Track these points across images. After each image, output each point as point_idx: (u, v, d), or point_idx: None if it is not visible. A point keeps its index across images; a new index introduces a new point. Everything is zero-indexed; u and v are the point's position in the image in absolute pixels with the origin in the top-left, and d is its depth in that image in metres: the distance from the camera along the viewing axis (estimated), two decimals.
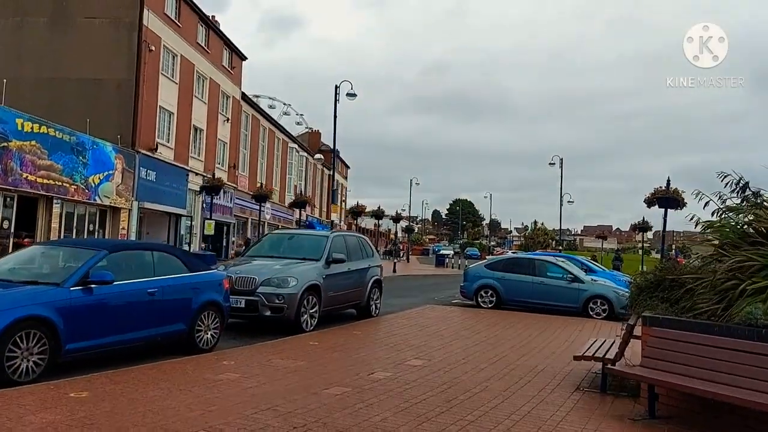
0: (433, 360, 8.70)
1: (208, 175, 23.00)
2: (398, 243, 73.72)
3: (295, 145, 55.02)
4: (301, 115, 62.92)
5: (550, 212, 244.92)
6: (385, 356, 8.79)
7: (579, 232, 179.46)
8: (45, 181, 22.55)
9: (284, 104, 59.87)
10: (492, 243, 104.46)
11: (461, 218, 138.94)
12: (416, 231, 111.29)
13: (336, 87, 28.86)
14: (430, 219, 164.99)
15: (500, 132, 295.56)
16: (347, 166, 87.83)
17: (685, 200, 16.75)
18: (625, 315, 17.06)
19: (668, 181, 16.70)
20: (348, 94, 28.70)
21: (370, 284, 13.53)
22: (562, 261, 18.96)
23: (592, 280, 17.73)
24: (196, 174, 33.86)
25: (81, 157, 25.13)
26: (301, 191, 28.42)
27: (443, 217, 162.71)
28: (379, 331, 11.63)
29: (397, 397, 6.43)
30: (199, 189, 22.30)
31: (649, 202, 16.89)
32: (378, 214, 35.52)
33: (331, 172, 30.24)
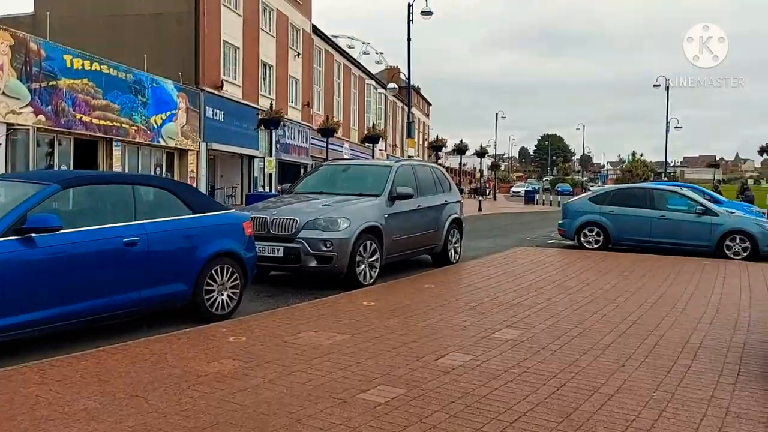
0: (533, 329, 6.09)
1: (265, 108, 20.55)
2: (485, 181, 70.16)
3: (372, 82, 52.14)
4: (381, 53, 59.35)
5: (647, 145, 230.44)
6: (463, 323, 6.26)
7: (678, 164, 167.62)
8: (102, 122, 21.11)
9: (363, 43, 56.58)
10: (584, 178, 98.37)
11: (550, 154, 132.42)
12: (503, 168, 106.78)
13: (409, 5, 25.66)
14: (517, 156, 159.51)
15: (591, 63, 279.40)
16: (428, 103, 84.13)
17: None
18: None
19: None
20: (422, 12, 25.46)
21: (447, 224, 10.94)
22: (686, 191, 15.57)
23: (727, 211, 14.32)
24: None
25: (140, 97, 23.59)
26: (377, 127, 25.77)
27: (531, 154, 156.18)
28: (458, 283, 9.08)
29: (476, 406, 3.90)
30: (257, 123, 20.06)
31: None
32: (461, 149, 32.36)
33: (407, 103, 27.30)
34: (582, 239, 14.62)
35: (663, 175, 57.30)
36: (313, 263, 8.16)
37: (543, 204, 46.12)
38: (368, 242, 8.63)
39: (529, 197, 48.81)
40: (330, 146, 35.88)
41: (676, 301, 7.92)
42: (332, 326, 5.95)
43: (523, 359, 5.01)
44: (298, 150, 37.50)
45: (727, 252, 13.31)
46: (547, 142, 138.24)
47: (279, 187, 29.09)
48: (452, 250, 11.24)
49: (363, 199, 9.16)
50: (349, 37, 55.57)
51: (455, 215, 11.36)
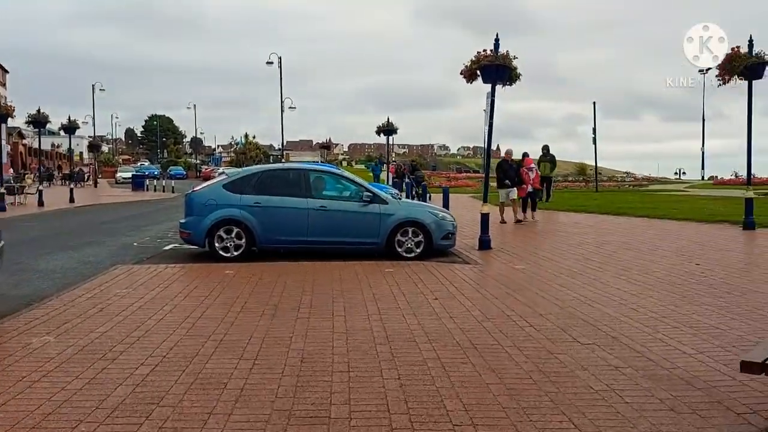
0: None
1: None
2: (83, 165, 59.90)
3: None
4: None
5: (257, 129, 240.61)
6: None
7: (280, 147, 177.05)
8: None
9: None
10: (197, 161, 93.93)
11: (160, 135, 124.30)
12: (107, 150, 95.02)
13: None
14: (123, 138, 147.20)
15: (198, 49, 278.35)
16: (5, 71, 68.39)
17: (519, 73, 11.07)
18: (447, 247, 11.24)
19: (497, 41, 10.76)
20: None
21: None
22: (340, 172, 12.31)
23: (393, 197, 11.45)
24: None
25: None
26: None
27: (139, 135, 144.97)
28: None
29: None
30: None
31: (470, 74, 10.89)
32: (38, 120, 23.96)
33: None
34: (216, 244, 10.05)
35: (281, 157, 56.89)
36: None
37: (155, 191, 40.04)
38: None
39: (138, 183, 42.08)
40: None
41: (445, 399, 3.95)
42: None
43: None
44: None
45: (399, 249, 10.33)
46: (155, 123, 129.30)
47: None
48: None
49: None
50: None
51: None
